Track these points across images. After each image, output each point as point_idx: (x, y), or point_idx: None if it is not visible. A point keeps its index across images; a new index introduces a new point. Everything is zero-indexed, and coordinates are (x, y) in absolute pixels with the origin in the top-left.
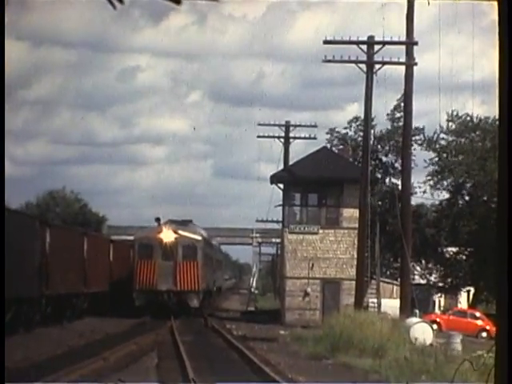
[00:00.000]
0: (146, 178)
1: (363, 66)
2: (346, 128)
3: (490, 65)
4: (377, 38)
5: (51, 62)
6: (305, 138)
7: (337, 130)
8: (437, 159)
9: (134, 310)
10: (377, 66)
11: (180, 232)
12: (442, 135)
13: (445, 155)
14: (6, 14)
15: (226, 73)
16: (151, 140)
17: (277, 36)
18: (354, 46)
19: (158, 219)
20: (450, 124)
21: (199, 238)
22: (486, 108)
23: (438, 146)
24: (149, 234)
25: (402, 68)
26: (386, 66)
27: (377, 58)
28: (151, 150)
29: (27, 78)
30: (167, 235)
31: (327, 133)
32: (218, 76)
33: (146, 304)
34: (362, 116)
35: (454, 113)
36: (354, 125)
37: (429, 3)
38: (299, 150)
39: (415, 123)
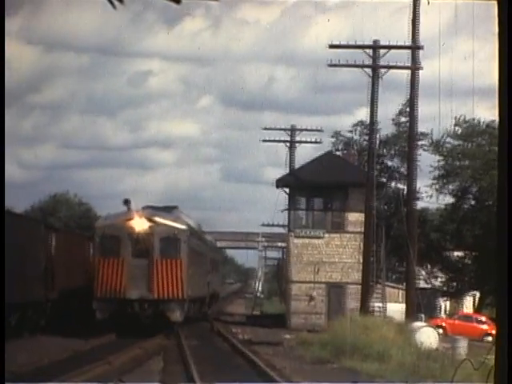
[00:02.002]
0: (154, 182)
1: (369, 71)
2: (350, 132)
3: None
4: (388, 43)
5: (62, 66)
6: (310, 142)
7: (342, 133)
8: (443, 163)
9: (95, 325)
10: (383, 71)
11: (157, 219)
12: (448, 139)
13: (451, 159)
14: (17, 19)
15: (237, 77)
16: (161, 144)
17: (289, 41)
18: (366, 50)
19: (127, 201)
20: (457, 128)
21: (183, 227)
22: (495, 112)
23: (444, 149)
24: (115, 222)
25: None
26: (394, 71)
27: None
28: (160, 154)
29: (38, 82)
30: (139, 223)
31: (332, 136)
32: (230, 81)
33: (111, 317)
34: (367, 120)
35: (461, 117)
36: (358, 128)
37: (428, 3)
38: (308, 153)
39: (425, 127)
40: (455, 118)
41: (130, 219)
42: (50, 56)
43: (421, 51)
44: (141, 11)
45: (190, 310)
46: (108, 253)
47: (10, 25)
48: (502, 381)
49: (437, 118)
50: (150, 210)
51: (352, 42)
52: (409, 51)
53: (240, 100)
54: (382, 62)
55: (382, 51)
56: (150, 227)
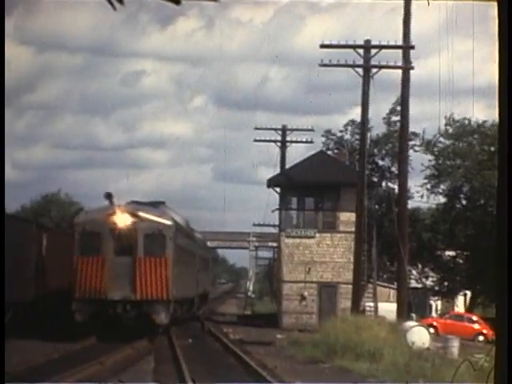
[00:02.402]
0: (147, 181)
1: (361, 71)
2: (341, 131)
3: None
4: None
5: (56, 66)
6: (301, 141)
7: (332, 132)
8: (434, 163)
9: (75, 328)
10: (374, 70)
11: (141, 214)
12: (440, 139)
13: (442, 159)
14: (12, 20)
15: (230, 77)
16: (154, 144)
17: (283, 41)
18: (359, 50)
19: (108, 195)
20: (448, 128)
21: (169, 222)
22: (491, 112)
23: (435, 149)
24: (95, 217)
25: (413, 72)
26: (387, 70)
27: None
28: (153, 154)
29: (32, 82)
30: (122, 219)
31: (322, 135)
32: (223, 80)
33: (91, 320)
34: (358, 119)
35: (452, 117)
36: (349, 128)
37: (429, 3)
38: (302, 153)
39: (418, 127)
40: (445, 117)
41: (112, 214)
42: (43, 56)
43: (421, 51)
44: (134, 12)
45: (177, 312)
46: (88, 250)
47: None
48: (501, 381)
49: (429, 117)
50: (134, 205)
51: (345, 42)
52: (407, 50)
53: (233, 100)
54: (375, 62)
55: (374, 51)
56: (133, 223)
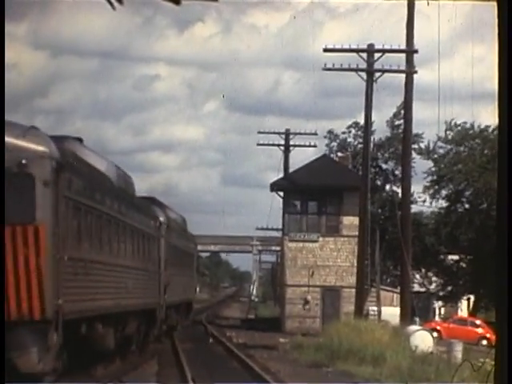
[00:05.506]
0: (155, 185)
1: (364, 75)
2: (344, 133)
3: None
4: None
5: (70, 71)
6: (304, 145)
7: (335, 133)
8: (435, 169)
9: None
10: (377, 74)
11: None
12: (441, 144)
13: (443, 164)
14: (25, 24)
15: (243, 82)
16: (164, 148)
17: (298, 46)
18: (377, 54)
19: None
20: (448, 132)
21: (43, 148)
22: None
23: (436, 155)
24: None
25: (419, 75)
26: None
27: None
28: (163, 158)
29: (45, 86)
30: None
31: (325, 137)
32: (236, 85)
33: None
34: (362, 121)
35: (453, 121)
36: (353, 131)
37: (428, 3)
38: (309, 157)
39: (425, 131)
40: (446, 122)
41: None
42: (59, 61)
43: (427, 54)
44: (151, 16)
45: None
46: None
47: (18, 30)
48: (501, 382)
49: (433, 122)
50: None
51: (348, 46)
52: (410, 54)
53: (245, 104)
54: (385, 66)
55: (381, 55)
56: None
